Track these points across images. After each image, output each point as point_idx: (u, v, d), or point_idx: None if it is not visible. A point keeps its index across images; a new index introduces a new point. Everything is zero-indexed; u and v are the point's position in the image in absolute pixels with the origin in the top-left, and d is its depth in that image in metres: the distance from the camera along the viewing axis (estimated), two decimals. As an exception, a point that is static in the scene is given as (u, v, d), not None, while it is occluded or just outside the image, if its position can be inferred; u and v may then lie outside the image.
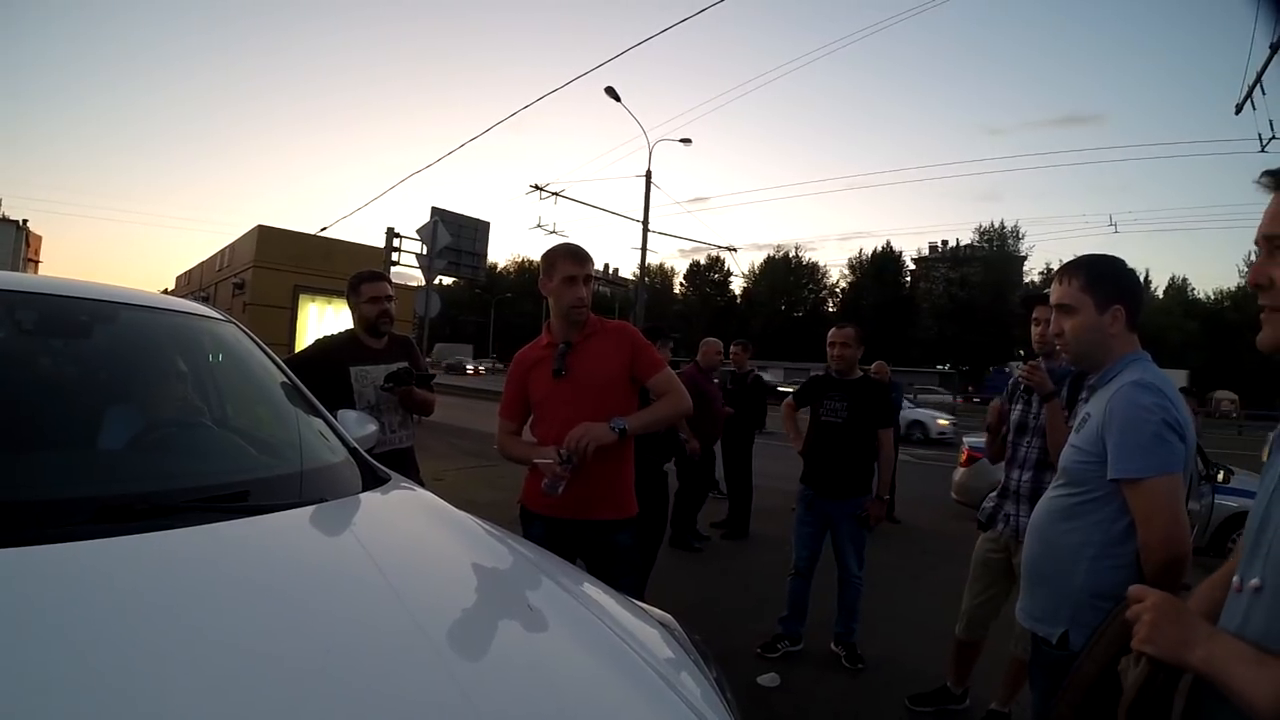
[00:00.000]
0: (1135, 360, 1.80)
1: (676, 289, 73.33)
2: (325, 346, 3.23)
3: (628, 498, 2.51)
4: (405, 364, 3.18)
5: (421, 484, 3.06)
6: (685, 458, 5.58)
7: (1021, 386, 2.89)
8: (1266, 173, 1.07)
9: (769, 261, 66.52)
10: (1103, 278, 1.80)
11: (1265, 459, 1.17)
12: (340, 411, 2.27)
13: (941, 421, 19.31)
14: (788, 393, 4.51)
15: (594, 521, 2.41)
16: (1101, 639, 1.20)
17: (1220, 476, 6.34)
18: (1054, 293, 1.87)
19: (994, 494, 3.01)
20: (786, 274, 64.97)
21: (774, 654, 3.79)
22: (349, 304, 3.30)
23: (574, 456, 2.24)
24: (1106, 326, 1.78)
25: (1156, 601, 1.04)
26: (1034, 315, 2.91)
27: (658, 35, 12.68)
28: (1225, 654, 0.94)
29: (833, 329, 4.01)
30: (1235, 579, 1.02)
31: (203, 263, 15.28)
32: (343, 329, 3.38)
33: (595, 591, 1.59)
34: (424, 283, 10.98)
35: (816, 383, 4.12)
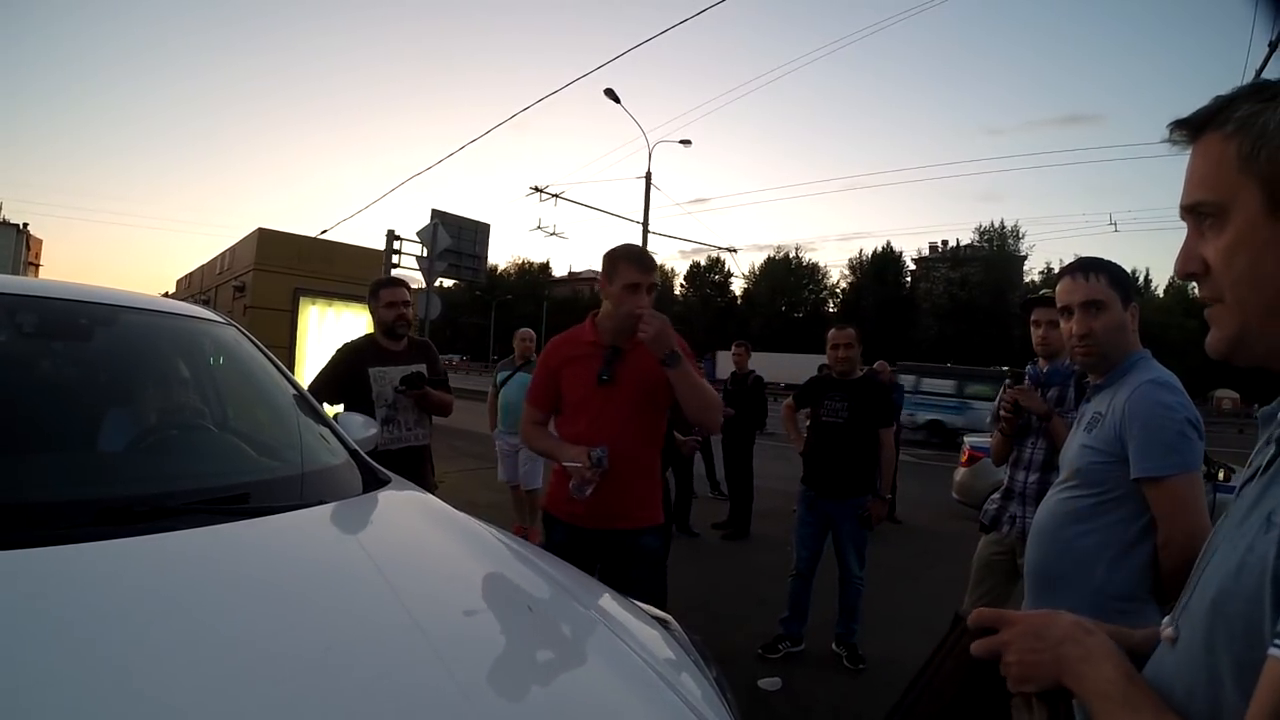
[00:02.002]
0: (1142, 358, 1.81)
1: (677, 290, 73.28)
2: (347, 350, 3.40)
3: (654, 508, 2.42)
4: (420, 368, 3.35)
5: (433, 482, 3.11)
6: (681, 460, 5.67)
7: (1024, 386, 2.87)
8: (1176, 123, 0.77)
9: (769, 262, 66.54)
10: (1120, 276, 1.83)
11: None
12: (342, 414, 2.30)
13: None
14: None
15: (620, 530, 2.33)
16: (943, 668, 0.98)
17: (1220, 475, 6.33)
18: (1076, 290, 1.83)
19: (996, 495, 2.99)
20: (787, 275, 64.93)
21: (775, 654, 3.79)
22: (369, 308, 3.50)
23: (604, 460, 2.16)
24: (1128, 324, 1.81)
25: (1015, 633, 0.83)
26: (1033, 318, 2.86)
27: (657, 37, 12.72)
28: (1098, 688, 0.74)
29: (832, 330, 4.03)
30: (1165, 620, 0.81)
31: (203, 266, 15.26)
32: (349, 332, 3.53)
33: (595, 592, 1.60)
34: (424, 285, 10.98)
35: (817, 383, 4.14)
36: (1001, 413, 2.89)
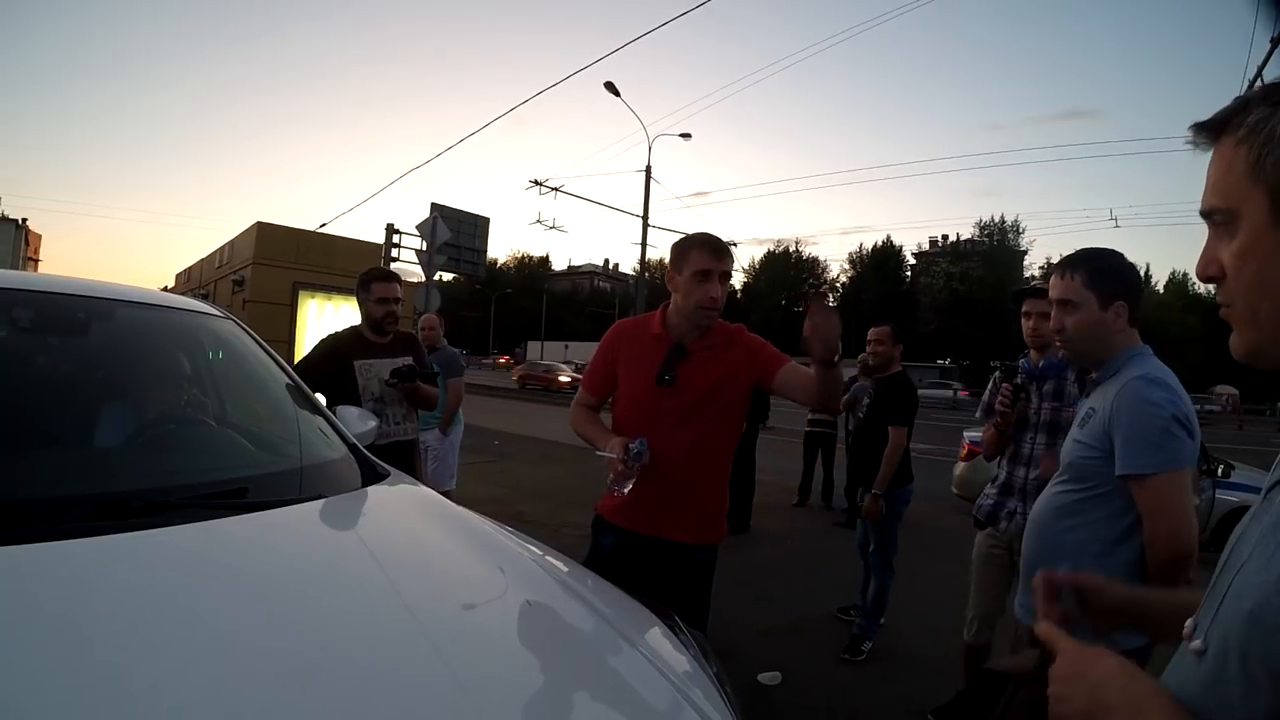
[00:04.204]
0: (1138, 354, 1.79)
1: (676, 284, 73.23)
2: (332, 343, 3.33)
3: (713, 526, 2.26)
4: (410, 360, 3.28)
5: (421, 476, 3.09)
6: None
7: (1019, 379, 2.86)
8: (1195, 126, 0.77)
9: (769, 256, 66.61)
10: (1105, 274, 1.79)
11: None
12: (340, 408, 2.28)
13: None
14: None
15: (674, 542, 2.15)
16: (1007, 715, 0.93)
17: (1220, 471, 6.33)
18: (1055, 287, 1.84)
19: (991, 489, 2.96)
20: (786, 269, 64.98)
21: (846, 616, 4.22)
22: (358, 299, 3.40)
23: (644, 455, 2.00)
24: (1110, 323, 1.78)
25: (1059, 664, 0.79)
26: (1024, 309, 2.85)
27: (657, 29, 12.67)
28: None
29: (871, 327, 4.19)
30: (1189, 623, 0.78)
31: (202, 260, 15.23)
32: (345, 326, 3.47)
33: (594, 587, 1.59)
34: (424, 279, 10.97)
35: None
36: (998, 406, 2.87)
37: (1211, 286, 0.78)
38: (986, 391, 3.11)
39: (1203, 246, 0.77)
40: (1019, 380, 2.83)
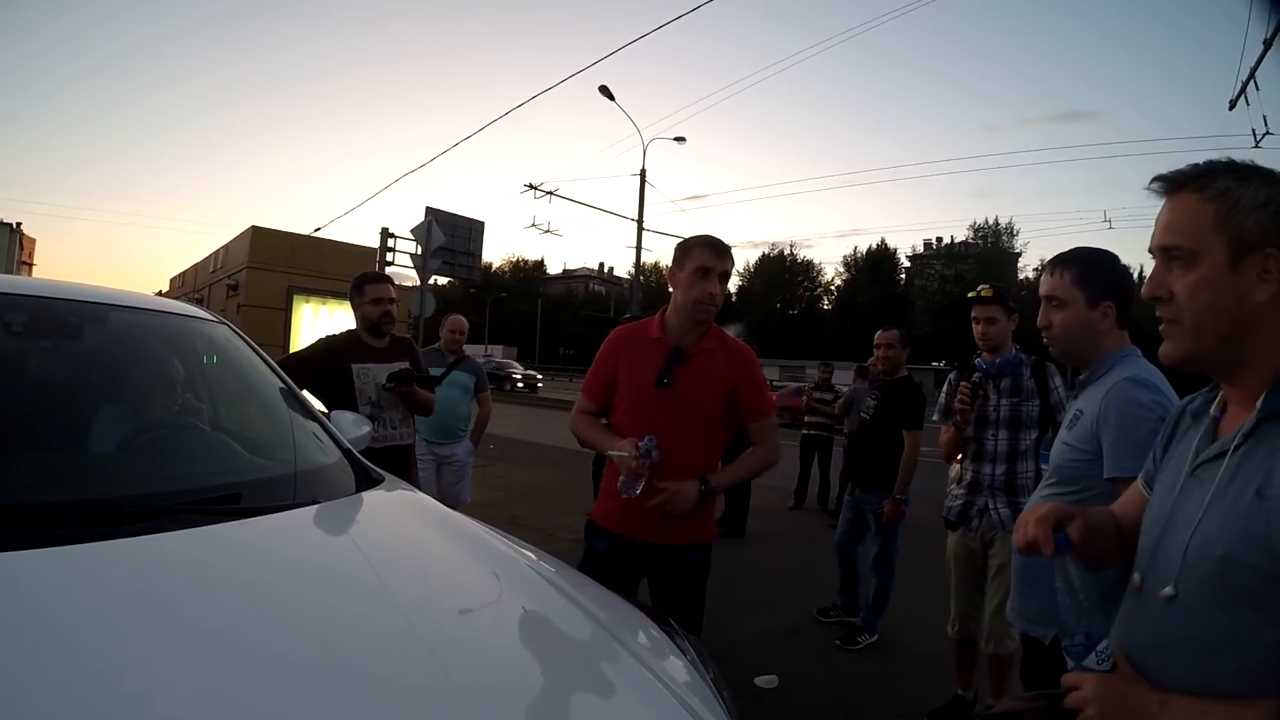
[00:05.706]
0: (1126, 356, 1.78)
1: (672, 287, 73.30)
2: (328, 345, 3.31)
3: (706, 525, 2.30)
4: (407, 364, 3.25)
5: (417, 482, 3.08)
6: None
7: (976, 378, 2.89)
8: (1158, 178, 0.97)
9: (764, 259, 66.60)
10: (1095, 273, 1.79)
11: (1162, 452, 1.11)
12: (334, 413, 2.27)
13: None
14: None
15: (668, 545, 2.18)
16: None
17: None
18: (1044, 283, 1.84)
19: (959, 490, 2.97)
20: (781, 271, 65.01)
21: (827, 619, 4.27)
22: (352, 304, 3.39)
23: (654, 452, 2.02)
24: (1096, 323, 1.77)
25: (1097, 690, 0.91)
26: (974, 315, 2.91)
27: (651, 33, 12.70)
28: None
29: (879, 331, 4.25)
30: (1135, 576, 0.93)
31: (196, 264, 15.21)
32: (342, 329, 3.47)
33: (590, 591, 1.59)
34: (418, 283, 10.95)
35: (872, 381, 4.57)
36: (957, 405, 2.90)
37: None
38: (942, 394, 3.14)
39: (1153, 273, 0.98)
40: (976, 378, 2.87)
